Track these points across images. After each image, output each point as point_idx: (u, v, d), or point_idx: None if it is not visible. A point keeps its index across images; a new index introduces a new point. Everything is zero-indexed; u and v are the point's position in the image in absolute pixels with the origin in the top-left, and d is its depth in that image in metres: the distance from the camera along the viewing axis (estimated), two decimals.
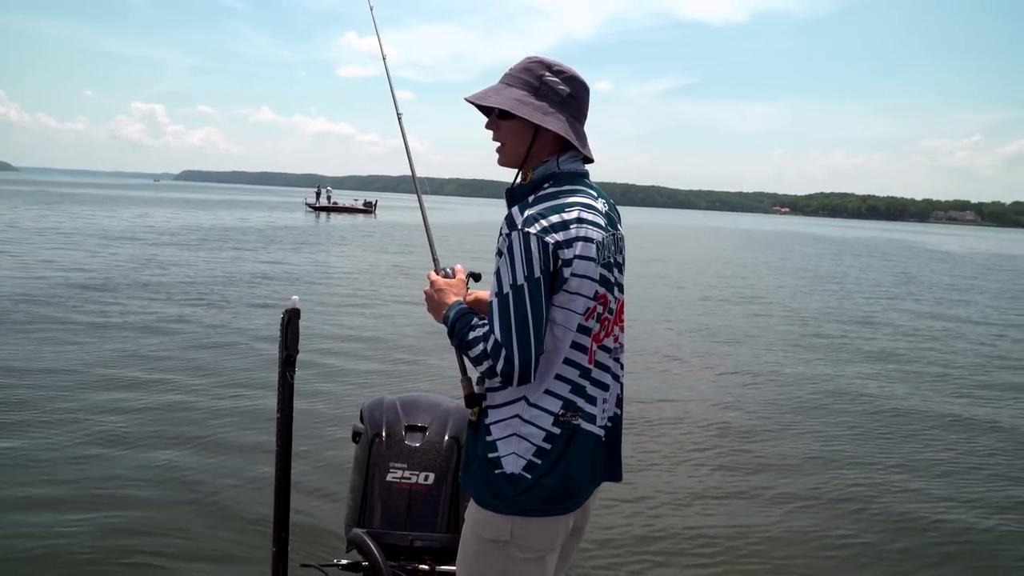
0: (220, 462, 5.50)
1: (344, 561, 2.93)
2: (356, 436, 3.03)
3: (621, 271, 2.12)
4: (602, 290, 2.00)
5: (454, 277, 2.24)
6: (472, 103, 2.15)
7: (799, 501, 5.38)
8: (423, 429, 2.96)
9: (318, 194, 62.46)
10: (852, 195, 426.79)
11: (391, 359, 9.39)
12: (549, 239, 1.88)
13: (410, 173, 2.75)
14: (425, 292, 2.21)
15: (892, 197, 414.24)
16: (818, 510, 5.26)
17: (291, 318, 2.81)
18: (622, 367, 2.15)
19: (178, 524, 4.51)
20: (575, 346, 1.97)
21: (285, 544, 2.87)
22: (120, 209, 45.71)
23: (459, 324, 2.00)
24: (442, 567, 2.81)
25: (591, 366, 2.00)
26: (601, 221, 2.00)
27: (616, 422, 2.13)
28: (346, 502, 3.00)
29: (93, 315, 10.88)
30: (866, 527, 5.02)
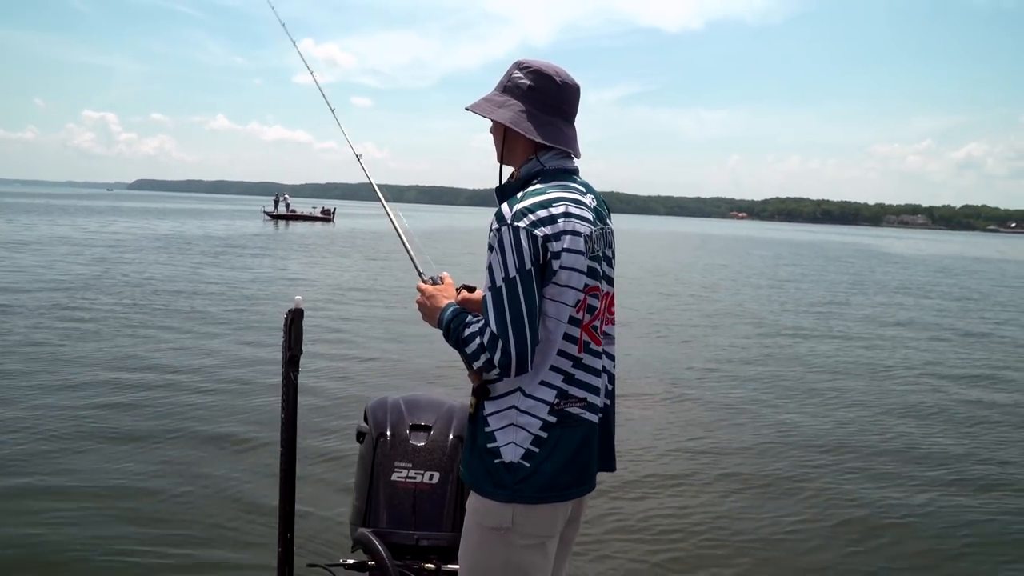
0: (224, 463, 5.48)
1: (350, 560, 2.93)
2: (360, 436, 3.04)
3: (611, 264, 2.17)
4: (592, 282, 2.05)
5: (442, 284, 2.27)
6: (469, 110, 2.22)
7: (747, 483, 5.65)
8: (427, 428, 2.97)
9: (276, 202, 61.83)
10: (807, 200, 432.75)
11: (391, 359, 9.41)
12: (538, 232, 1.94)
13: (372, 182, 2.86)
14: (417, 302, 2.24)
15: (846, 202, 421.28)
16: (779, 493, 5.48)
17: (294, 318, 2.80)
18: (612, 359, 2.19)
19: (183, 526, 4.49)
20: (567, 337, 2.02)
21: (291, 544, 2.86)
22: (77, 219, 44.84)
23: (454, 323, 2.04)
24: (448, 566, 2.82)
25: (583, 356, 2.05)
26: (589, 216, 2.06)
27: (608, 412, 2.17)
28: (351, 502, 3.01)
29: (72, 322, 10.75)
30: (818, 508, 5.21)
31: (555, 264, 1.96)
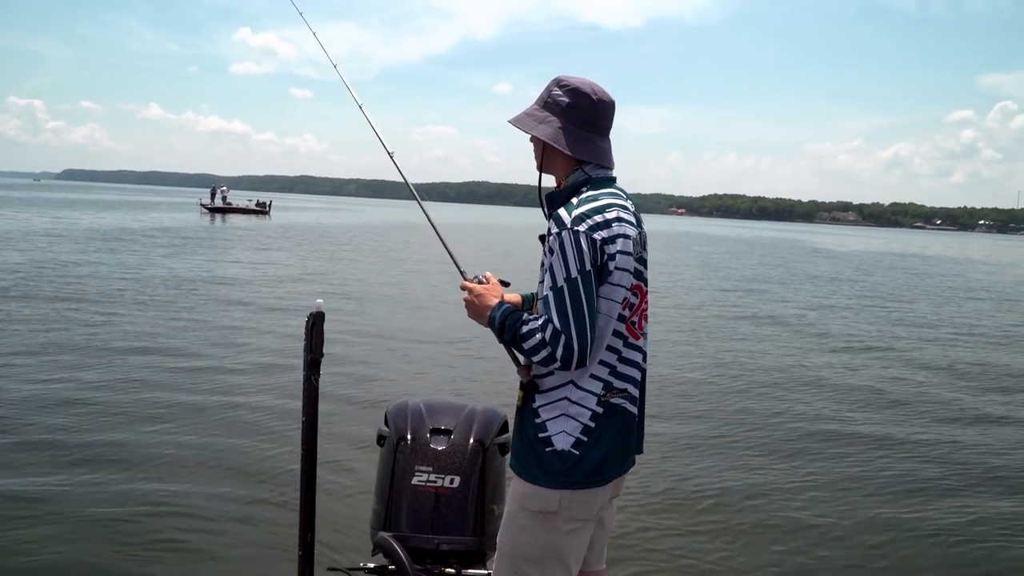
0: (245, 466, 5.43)
1: (370, 564, 2.93)
2: (381, 439, 3.03)
3: (646, 266, 2.30)
4: (636, 281, 2.20)
5: (488, 284, 2.37)
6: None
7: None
8: (448, 432, 2.97)
9: (213, 194, 60.54)
10: (744, 196, 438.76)
11: (410, 360, 9.33)
12: (596, 236, 2.09)
13: (407, 182, 2.84)
14: (465, 300, 2.35)
15: (780, 198, 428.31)
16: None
17: (316, 321, 2.78)
18: (645, 353, 2.30)
19: (204, 529, 4.46)
20: (615, 333, 2.16)
21: (311, 548, 2.85)
22: (5, 211, 43.30)
23: (509, 321, 2.16)
24: (468, 570, 2.84)
25: (624, 350, 2.19)
26: (634, 220, 2.22)
27: (643, 400, 2.31)
28: (372, 505, 2.99)
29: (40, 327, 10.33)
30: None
31: (611, 265, 2.11)
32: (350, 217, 71.11)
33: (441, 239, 2.62)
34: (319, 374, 2.81)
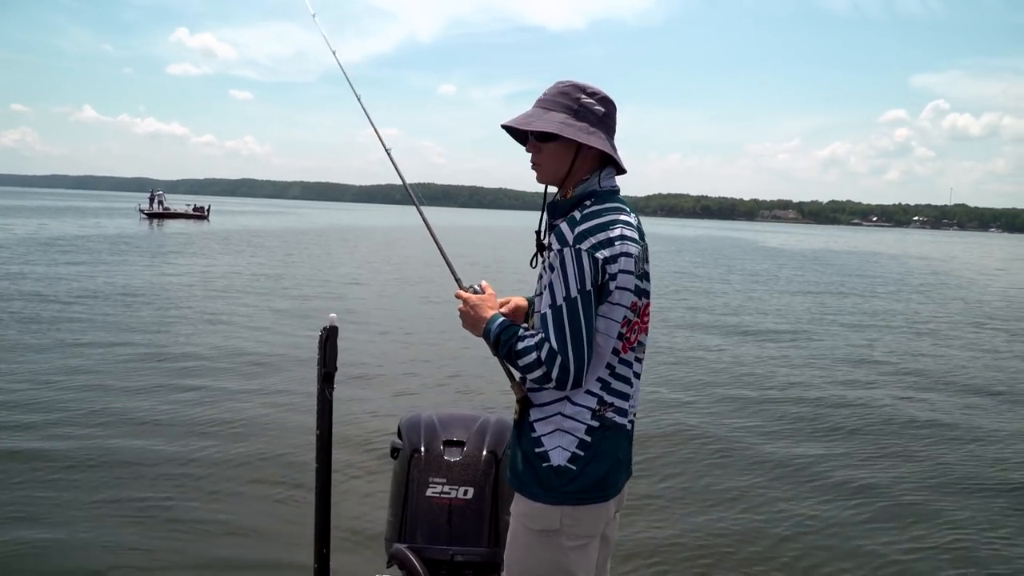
0: (260, 480, 5.42)
1: None
2: (395, 452, 3.02)
3: (648, 279, 2.25)
4: (635, 298, 2.14)
5: (484, 293, 2.30)
6: (511, 128, 2.25)
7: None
8: (461, 444, 2.97)
9: (151, 199, 59.17)
10: (687, 196, 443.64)
11: (419, 369, 9.19)
12: (599, 255, 2.04)
13: (405, 183, 2.78)
14: (460, 310, 2.28)
15: (723, 197, 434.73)
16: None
17: (329, 335, 2.78)
18: (641, 364, 2.28)
19: (221, 543, 4.46)
20: (612, 351, 2.12)
21: (327, 560, 2.85)
22: None
23: (504, 335, 2.11)
24: None
25: (621, 367, 2.16)
26: (636, 236, 2.15)
27: (635, 417, 2.26)
28: (387, 517, 2.99)
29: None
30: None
31: (611, 285, 2.06)
32: (297, 221, 70.01)
33: (439, 247, 2.54)
34: (333, 388, 2.81)
